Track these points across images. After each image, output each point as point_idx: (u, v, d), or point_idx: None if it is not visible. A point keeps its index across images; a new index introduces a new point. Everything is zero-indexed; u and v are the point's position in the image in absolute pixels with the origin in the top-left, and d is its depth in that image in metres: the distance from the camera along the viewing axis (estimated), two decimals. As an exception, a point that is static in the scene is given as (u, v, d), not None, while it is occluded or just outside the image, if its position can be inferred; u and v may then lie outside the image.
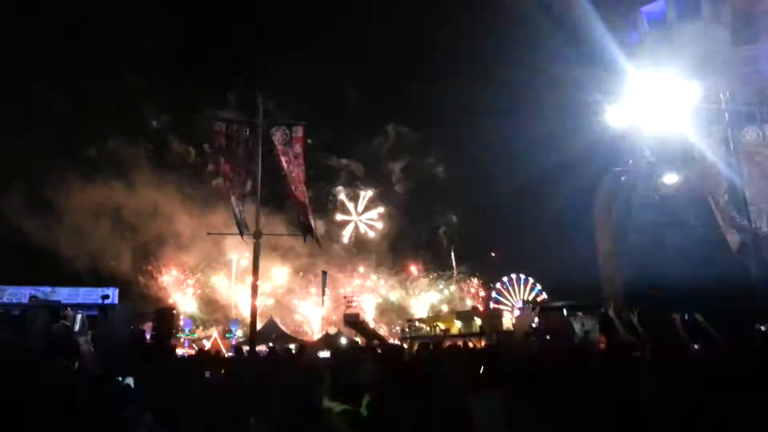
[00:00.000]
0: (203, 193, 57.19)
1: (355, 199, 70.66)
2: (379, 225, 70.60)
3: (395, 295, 67.99)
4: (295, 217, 17.56)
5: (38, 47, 50.77)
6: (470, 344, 20.47)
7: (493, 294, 64.79)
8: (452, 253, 70.99)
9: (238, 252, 53.58)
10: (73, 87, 50.39)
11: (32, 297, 15.15)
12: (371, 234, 70.29)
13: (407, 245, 70.49)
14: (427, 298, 68.39)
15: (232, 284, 59.19)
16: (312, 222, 17.05)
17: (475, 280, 69.50)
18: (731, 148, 15.80)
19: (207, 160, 60.03)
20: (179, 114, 59.17)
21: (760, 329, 7.61)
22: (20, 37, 48.46)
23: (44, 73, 49.94)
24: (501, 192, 62.97)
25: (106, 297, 16.81)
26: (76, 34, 50.68)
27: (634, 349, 5.66)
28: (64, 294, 22.48)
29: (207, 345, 44.85)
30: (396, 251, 70.05)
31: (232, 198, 15.99)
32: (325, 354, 20.08)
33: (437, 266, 70.09)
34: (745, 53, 24.76)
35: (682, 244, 22.03)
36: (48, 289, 23.56)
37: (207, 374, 9.53)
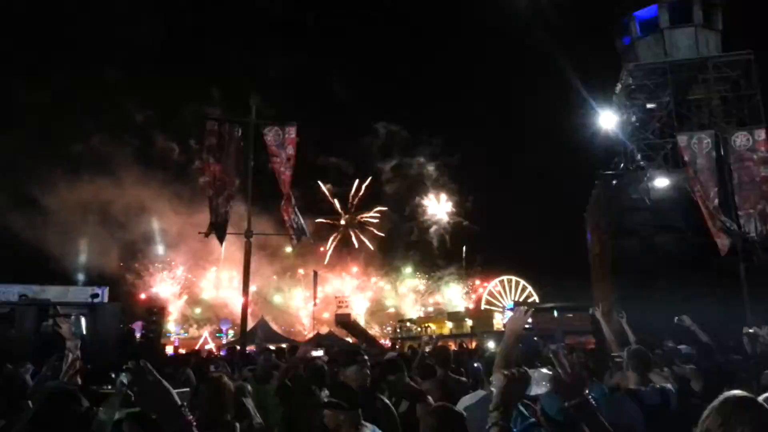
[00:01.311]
0: (190, 190, 56.94)
1: (344, 199, 70.22)
2: (370, 227, 70.36)
3: (385, 295, 67.88)
4: (286, 217, 17.42)
5: (21, 42, 50.44)
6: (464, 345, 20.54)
7: (485, 295, 64.96)
8: (442, 254, 70.88)
9: (228, 251, 53.26)
10: (66, 84, 49.91)
11: (22, 295, 15.06)
12: (363, 238, 69.95)
13: (397, 245, 70.26)
14: (418, 299, 68.27)
15: (221, 283, 58.94)
16: (302, 221, 16.98)
17: (467, 281, 69.41)
18: (722, 152, 15.89)
19: (193, 156, 59.82)
20: (167, 110, 58.55)
21: (749, 332, 7.67)
22: (5, 33, 48.20)
23: (29, 69, 49.54)
24: (492, 193, 63.28)
25: (96, 296, 16.74)
26: (62, 28, 50.18)
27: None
28: (53, 293, 22.35)
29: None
30: (386, 251, 69.84)
31: (220, 198, 15.85)
32: (317, 353, 20.02)
33: (427, 266, 69.88)
34: (736, 59, 24.95)
35: (671, 247, 22.23)
36: (38, 287, 23.39)
37: (212, 367, 9.55)
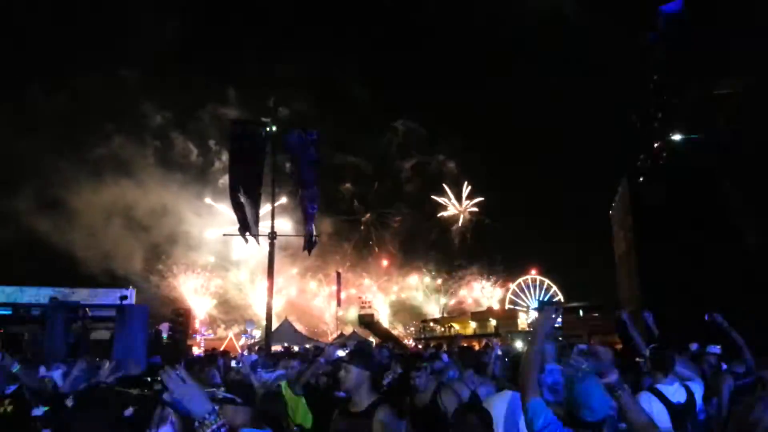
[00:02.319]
0: (211, 191, 57.63)
1: (363, 198, 70.09)
2: (390, 227, 70.13)
3: (408, 295, 67.68)
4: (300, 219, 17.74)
5: (39, 44, 51.23)
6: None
7: (509, 294, 64.56)
8: (463, 253, 70.42)
9: (250, 251, 53.64)
10: (92, 87, 50.40)
11: (52, 298, 15.39)
12: (384, 238, 69.84)
13: (418, 244, 69.91)
14: (440, 298, 67.97)
15: (245, 285, 59.40)
16: (312, 228, 17.22)
17: (490, 280, 68.91)
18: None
19: (212, 157, 60.49)
20: (184, 112, 59.00)
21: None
22: (25, 35, 48.97)
23: (51, 73, 50.17)
24: (514, 191, 62.75)
25: (125, 298, 17.02)
26: (76, 29, 50.65)
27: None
28: (83, 295, 22.74)
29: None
30: (407, 250, 69.59)
31: (243, 199, 16.05)
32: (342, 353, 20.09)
33: (449, 265, 69.45)
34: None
35: (699, 245, 21.82)
36: (67, 290, 23.83)
37: (234, 363, 9.64)
